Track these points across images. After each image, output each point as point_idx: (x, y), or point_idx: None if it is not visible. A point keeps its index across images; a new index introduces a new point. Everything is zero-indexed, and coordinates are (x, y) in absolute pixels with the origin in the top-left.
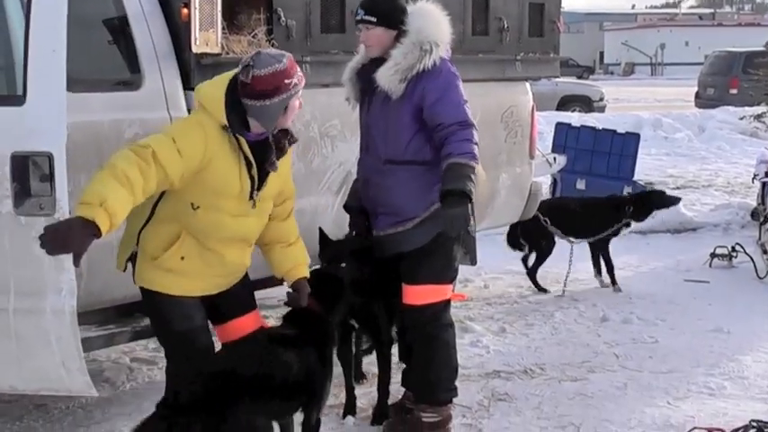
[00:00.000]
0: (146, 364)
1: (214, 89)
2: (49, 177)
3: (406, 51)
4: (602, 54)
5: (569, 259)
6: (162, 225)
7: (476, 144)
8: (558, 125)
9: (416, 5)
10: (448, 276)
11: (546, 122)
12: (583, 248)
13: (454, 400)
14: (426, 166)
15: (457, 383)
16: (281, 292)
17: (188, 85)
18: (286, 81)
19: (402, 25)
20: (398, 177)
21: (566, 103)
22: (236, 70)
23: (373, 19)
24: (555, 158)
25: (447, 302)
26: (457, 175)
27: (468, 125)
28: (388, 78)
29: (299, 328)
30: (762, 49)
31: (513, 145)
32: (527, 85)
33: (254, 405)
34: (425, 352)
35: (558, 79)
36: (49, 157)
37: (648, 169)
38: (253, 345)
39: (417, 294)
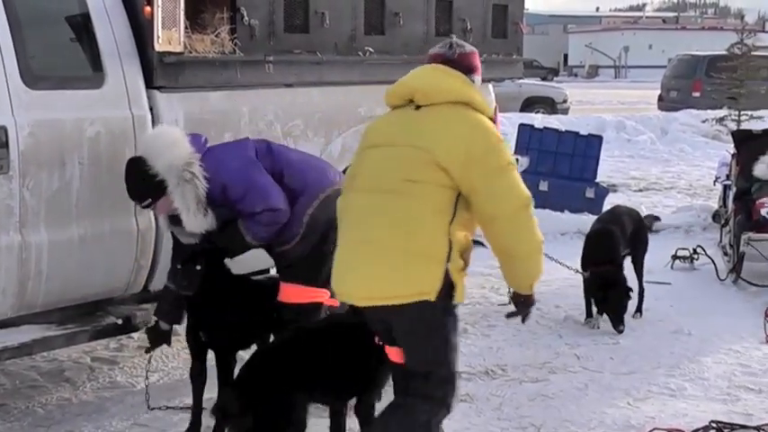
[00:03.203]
0: (107, 364)
1: None
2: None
3: (181, 193)
4: (566, 56)
5: None
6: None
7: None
8: (522, 126)
9: (142, 142)
10: (317, 279)
11: (509, 124)
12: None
13: None
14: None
15: None
16: None
17: (150, 84)
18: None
19: (163, 183)
20: None
21: (529, 105)
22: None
23: (149, 201)
24: (517, 160)
25: (314, 307)
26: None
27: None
28: (197, 224)
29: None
30: (724, 52)
31: None
32: (490, 86)
33: (321, 387)
34: None
35: (521, 81)
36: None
37: (611, 171)
38: (325, 330)
39: (287, 292)
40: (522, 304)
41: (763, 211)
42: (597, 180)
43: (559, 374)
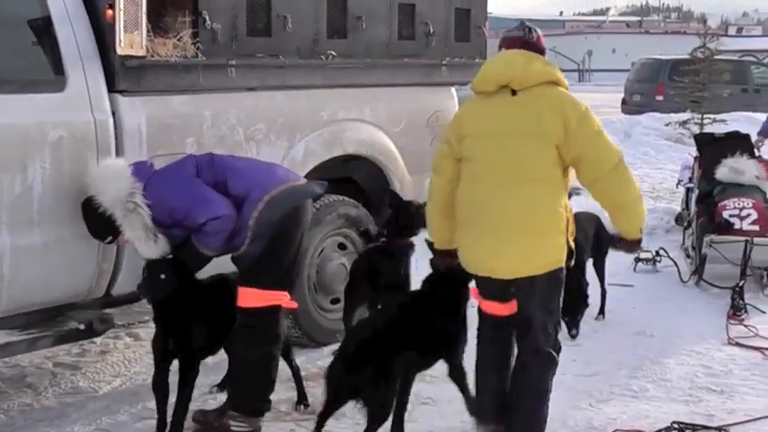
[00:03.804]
0: (69, 370)
1: None
2: None
3: (129, 224)
4: None
5: None
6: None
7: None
8: None
9: (89, 179)
10: (273, 283)
11: None
12: None
13: None
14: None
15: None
16: None
17: (112, 88)
18: None
19: (111, 219)
20: None
21: None
22: None
23: (110, 238)
24: None
25: (273, 310)
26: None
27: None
28: (150, 250)
29: (442, 287)
30: (687, 56)
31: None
32: (453, 90)
33: (414, 354)
34: (243, 357)
35: None
36: None
37: (575, 174)
38: (411, 302)
39: (244, 297)
40: (631, 246)
41: (725, 214)
42: None
43: None
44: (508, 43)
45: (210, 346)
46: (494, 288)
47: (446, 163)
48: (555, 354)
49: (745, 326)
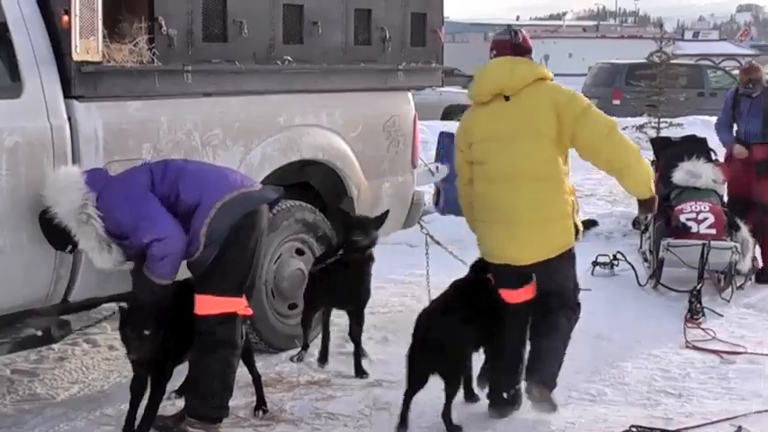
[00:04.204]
0: (27, 376)
1: None
2: None
3: (83, 235)
4: None
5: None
6: None
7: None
8: (442, 134)
9: (45, 190)
10: (229, 289)
11: (430, 132)
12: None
13: (335, 409)
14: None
15: (334, 392)
16: None
17: (68, 93)
18: None
19: (67, 230)
20: None
21: (450, 113)
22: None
23: (70, 248)
24: (437, 168)
25: (229, 317)
26: None
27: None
28: (105, 261)
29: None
30: (644, 61)
31: (395, 154)
32: (409, 94)
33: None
34: (200, 363)
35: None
36: None
37: None
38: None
39: (200, 304)
40: (647, 206)
41: (682, 218)
42: None
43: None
44: (498, 46)
45: (181, 351)
46: (509, 276)
47: (463, 167)
48: (579, 303)
49: (703, 329)
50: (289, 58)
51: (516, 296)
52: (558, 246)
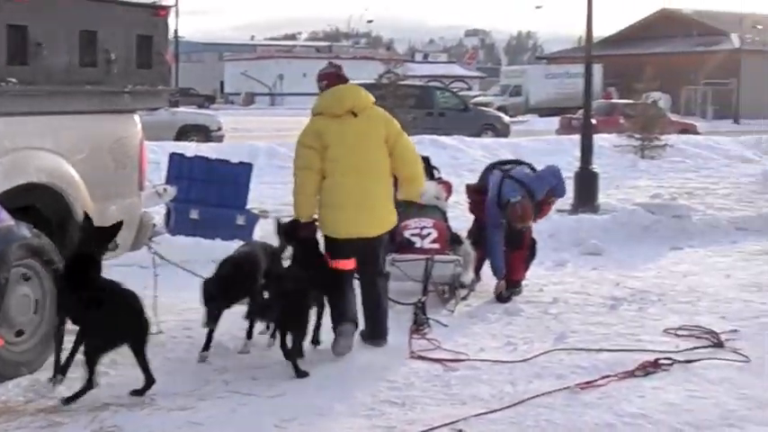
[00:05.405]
0: None
1: None
2: None
3: None
4: (222, 83)
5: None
6: None
7: None
8: (172, 155)
9: None
10: None
11: (162, 152)
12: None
13: None
14: None
15: (62, 419)
16: None
17: None
18: None
19: None
20: None
21: (184, 133)
22: None
23: None
24: (165, 189)
25: None
26: None
27: None
28: None
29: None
30: (374, 81)
31: (122, 177)
32: (136, 116)
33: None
34: None
35: (176, 109)
36: None
37: (264, 197)
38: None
39: None
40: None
41: (406, 233)
42: (248, 207)
43: (208, 401)
44: (328, 77)
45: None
46: (346, 249)
47: (315, 161)
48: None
49: (428, 339)
50: (13, 79)
51: (347, 264)
52: (390, 222)
